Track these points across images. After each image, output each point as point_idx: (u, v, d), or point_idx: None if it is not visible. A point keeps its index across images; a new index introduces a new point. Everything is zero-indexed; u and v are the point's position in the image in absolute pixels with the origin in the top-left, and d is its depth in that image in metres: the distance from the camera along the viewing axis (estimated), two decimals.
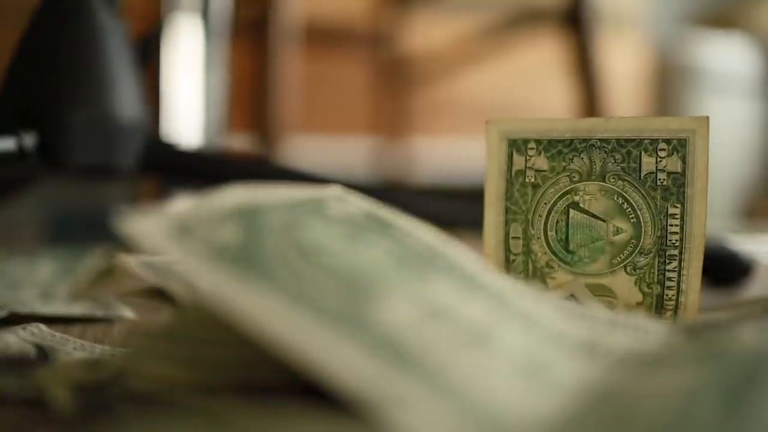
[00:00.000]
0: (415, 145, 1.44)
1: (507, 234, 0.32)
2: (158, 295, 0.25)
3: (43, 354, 0.27)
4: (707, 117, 0.29)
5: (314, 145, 1.32)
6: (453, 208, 0.46)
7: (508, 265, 0.32)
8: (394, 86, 1.39)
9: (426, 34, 1.40)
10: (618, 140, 0.31)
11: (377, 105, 1.41)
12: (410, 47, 1.38)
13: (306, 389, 0.20)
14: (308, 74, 1.27)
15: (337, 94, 1.39)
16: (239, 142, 1.06)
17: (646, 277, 0.30)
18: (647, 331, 0.24)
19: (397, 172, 1.37)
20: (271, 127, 0.98)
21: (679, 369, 0.19)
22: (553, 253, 0.32)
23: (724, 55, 1.81)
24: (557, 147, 0.32)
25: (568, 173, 0.31)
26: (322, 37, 1.36)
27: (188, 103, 0.79)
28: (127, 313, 0.36)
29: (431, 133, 1.47)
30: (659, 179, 0.30)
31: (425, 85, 1.40)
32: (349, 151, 1.38)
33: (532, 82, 1.54)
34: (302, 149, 1.20)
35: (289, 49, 0.99)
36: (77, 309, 0.37)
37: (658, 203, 0.30)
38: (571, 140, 0.31)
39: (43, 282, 0.43)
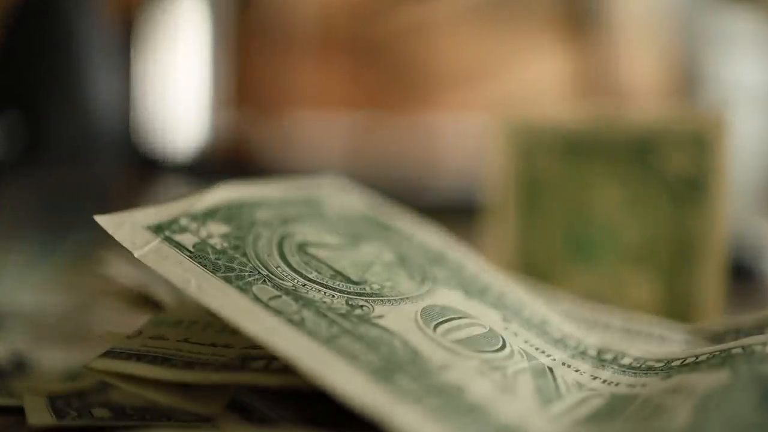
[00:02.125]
0: (411, 125, 1.44)
1: (519, 233, 0.31)
2: (141, 296, 0.25)
3: (21, 363, 0.26)
4: (727, 116, 0.29)
5: (310, 124, 1.32)
6: None
7: (519, 265, 0.31)
8: (389, 66, 1.39)
9: (421, 14, 1.40)
10: (635, 138, 0.30)
11: (370, 84, 1.41)
12: (405, 26, 1.37)
13: (299, 391, 0.19)
14: (303, 53, 1.27)
15: (331, 74, 1.39)
16: (238, 120, 1.05)
17: (665, 278, 0.29)
18: (666, 335, 0.23)
19: (390, 151, 1.37)
20: (268, 105, 0.98)
21: (706, 370, 0.19)
22: (568, 253, 0.31)
23: (747, 59, 1.80)
24: (572, 145, 0.31)
25: (584, 172, 0.31)
26: (317, 18, 1.36)
27: (186, 81, 0.79)
28: (108, 315, 0.35)
29: (426, 112, 1.47)
30: (678, 179, 0.29)
31: (420, 67, 1.40)
32: (343, 130, 1.38)
33: (537, 71, 1.53)
34: (298, 128, 1.20)
35: (286, 31, 0.99)
36: (55, 306, 0.36)
37: (677, 203, 0.29)
38: (587, 138, 0.31)
39: (19, 274, 0.43)
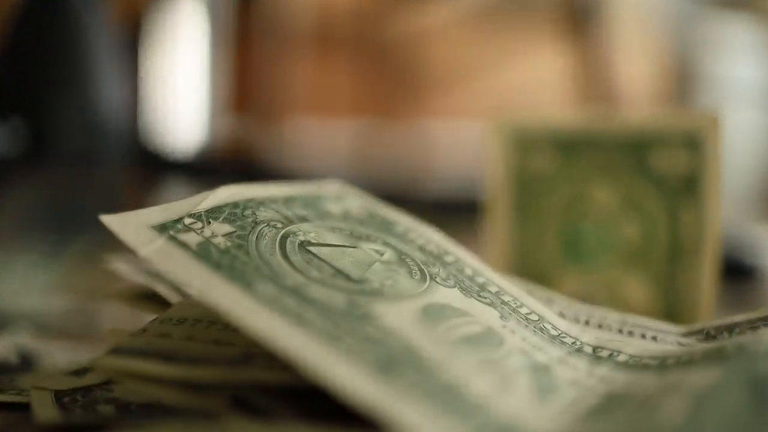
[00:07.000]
0: (411, 129, 1.44)
1: (514, 234, 0.32)
2: (145, 295, 0.25)
3: (27, 360, 0.27)
4: (720, 115, 0.29)
5: (310, 128, 1.32)
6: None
7: (514, 266, 0.32)
8: (388, 71, 1.39)
9: (421, 18, 1.40)
10: (629, 138, 0.30)
11: (370, 89, 1.41)
12: (405, 31, 1.38)
13: (301, 388, 0.19)
14: (303, 58, 1.27)
15: (331, 78, 1.39)
16: (238, 124, 1.05)
17: (659, 278, 0.30)
18: (660, 334, 0.24)
19: (390, 155, 1.37)
20: (269, 110, 0.98)
21: (700, 368, 0.19)
22: (562, 253, 0.31)
23: (740, 57, 1.80)
24: (566, 145, 0.31)
25: (577, 172, 0.31)
26: (317, 23, 1.36)
27: (187, 85, 0.79)
28: (113, 313, 0.36)
29: (426, 116, 1.47)
30: (671, 178, 0.29)
31: (420, 71, 1.40)
32: (342, 135, 1.38)
33: (534, 74, 1.53)
34: (299, 132, 1.20)
35: (286, 36, 0.99)
36: (61, 305, 0.36)
37: (671, 203, 0.29)
38: (581, 138, 0.31)
39: (25, 275, 0.43)
